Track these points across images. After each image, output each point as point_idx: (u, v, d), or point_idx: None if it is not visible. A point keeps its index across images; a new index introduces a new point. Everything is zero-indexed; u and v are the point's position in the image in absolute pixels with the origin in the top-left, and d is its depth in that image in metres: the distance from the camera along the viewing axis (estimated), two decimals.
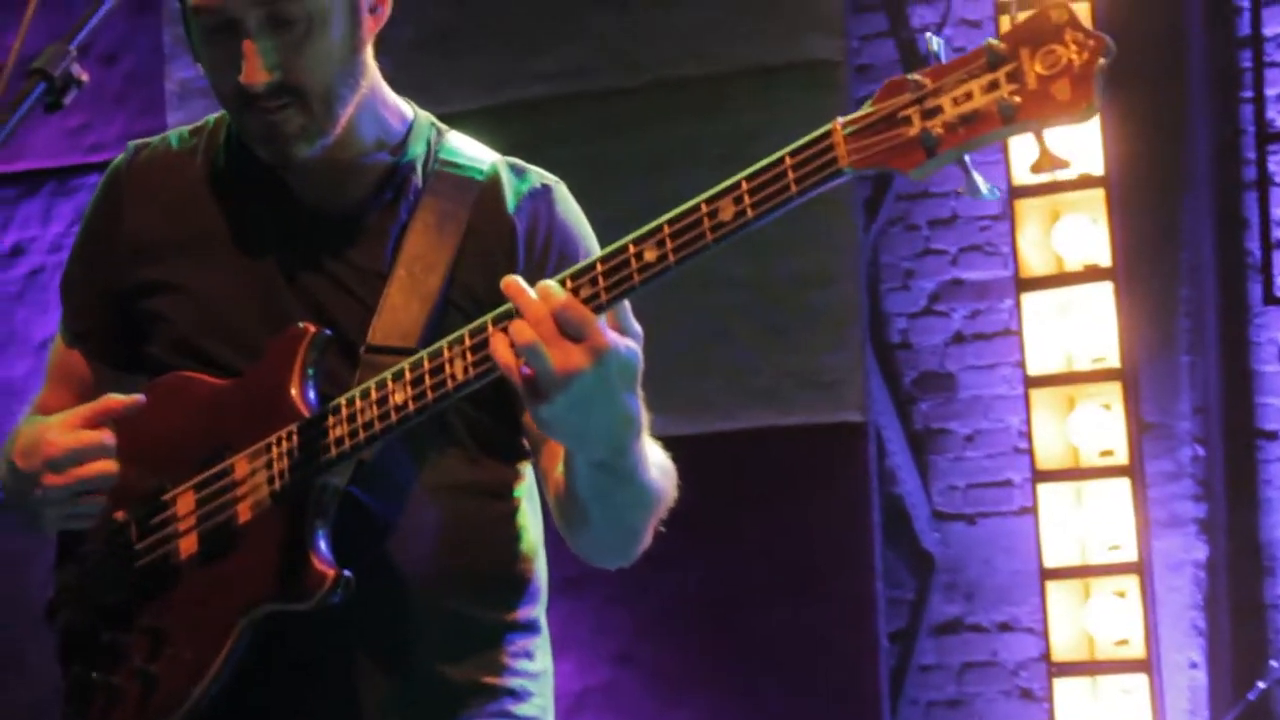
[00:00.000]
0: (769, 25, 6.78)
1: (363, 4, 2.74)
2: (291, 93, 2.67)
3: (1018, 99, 2.16)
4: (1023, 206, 6.49)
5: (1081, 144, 6.33)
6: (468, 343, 2.45)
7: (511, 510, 2.79)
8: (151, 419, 2.73)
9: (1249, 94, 6.59)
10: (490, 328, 2.42)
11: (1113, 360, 6.34)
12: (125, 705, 2.69)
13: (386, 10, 2.80)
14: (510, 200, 2.78)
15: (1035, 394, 6.43)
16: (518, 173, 2.82)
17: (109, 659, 2.73)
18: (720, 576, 6.65)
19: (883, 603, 6.63)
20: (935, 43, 2.26)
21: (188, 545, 2.69)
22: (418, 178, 2.80)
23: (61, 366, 2.96)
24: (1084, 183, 6.40)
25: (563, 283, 2.37)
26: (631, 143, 6.59)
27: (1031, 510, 6.46)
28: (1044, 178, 6.32)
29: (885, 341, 6.98)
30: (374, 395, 2.54)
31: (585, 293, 2.36)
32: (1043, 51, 2.15)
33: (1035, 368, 6.45)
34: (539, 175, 2.85)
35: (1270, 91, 6.58)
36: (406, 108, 2.88)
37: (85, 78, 2.43)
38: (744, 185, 2.31)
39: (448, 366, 2.47)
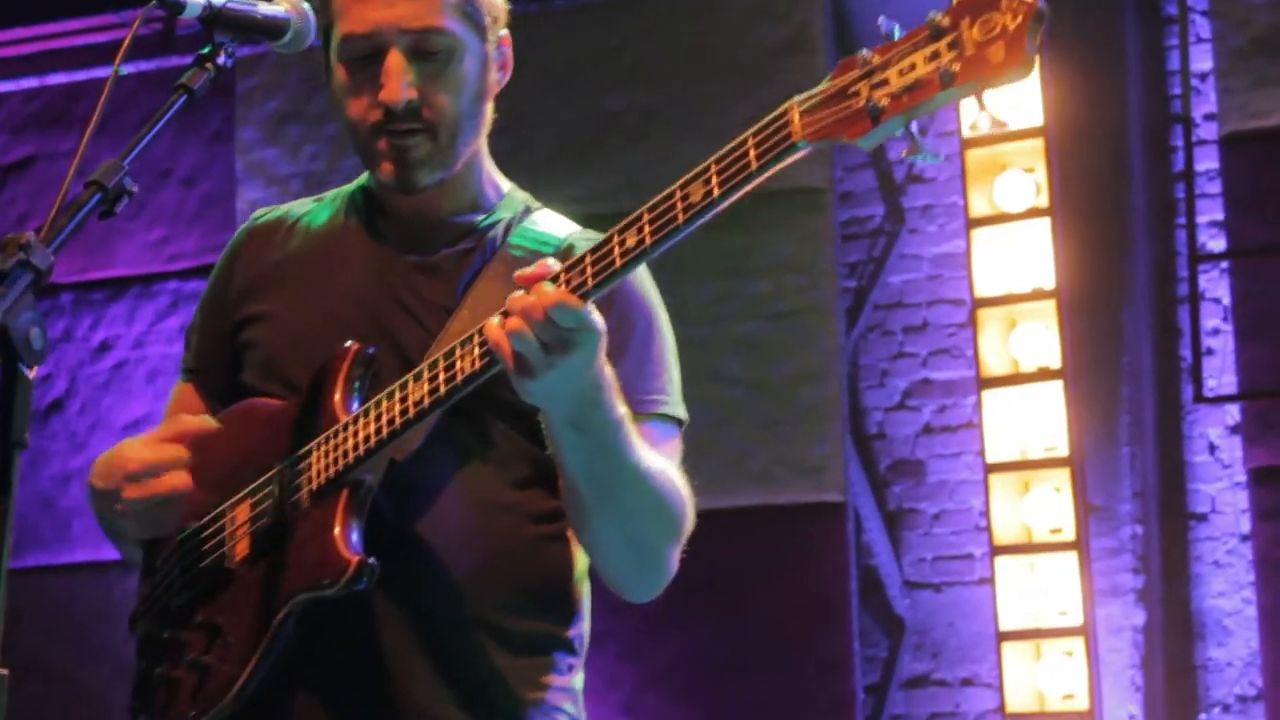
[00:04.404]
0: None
1: (492, 59, 2.76)
2: (423, 120, 2.67)
3: (956, 66, 2.10)
4: (984, 315, 6.61)
5: (1036, 262, 6.53)
6: (476, 340, 2.44)
7: (553, 534, 2.71)
8: (222, 442, 2.74)
9: (1182, 221, 6.72)
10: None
11: (1062, 450, 6.46)
12: (181, 695, 2.66)
13: (507, 75, 2.81)
14: None
15: (994, 479, 6.55)
16: (589, 237, 2.74)
17: (170, 655, 2.70)
18: (718, 635, 6.73)
19: (859, 660, 6.74)
20: (891, 26, 2.20)
21: (241, 549, 2.66)
22: (498, 237, 2.77)
23: (176, 401, 2.95)
24: (1038, 295, 6.54)
25: (557, 276, 2.35)
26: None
27: (990, 580, 6.55)
28: (1001, 290, 6.57)
29: (863, 433, 7.05)
30: (398, 395, 2.53)
31: (574, 281, 2.34)
32: (981, 20, 2.10)
33: (994, 456, 6.56)
34: None
35: (1201, 219, 6.70)
36: (504, 182, 2.88)
37: (135, 190, 2.39)
38: (713, 167, 2.27)
39: (459, 362, 2.46)
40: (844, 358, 6.96)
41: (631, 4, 7.18)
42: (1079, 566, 6.43)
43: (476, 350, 2.45)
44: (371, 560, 2.52)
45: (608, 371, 2.44)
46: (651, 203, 2.33)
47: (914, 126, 2.18)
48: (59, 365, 7.87)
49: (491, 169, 2.87)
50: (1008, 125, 2.04)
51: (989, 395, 6.65)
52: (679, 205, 2.29)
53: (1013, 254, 6.69)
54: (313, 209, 2.94)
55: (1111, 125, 6.87)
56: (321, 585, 2.53)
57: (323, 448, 2.60)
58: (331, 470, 2.59)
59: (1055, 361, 6.56)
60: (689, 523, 2.66)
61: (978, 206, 6.74)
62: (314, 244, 2.88)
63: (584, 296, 2.34)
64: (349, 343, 2.68)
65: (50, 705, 7.38)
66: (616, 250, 2.34)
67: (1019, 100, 6.63)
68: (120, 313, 7.93)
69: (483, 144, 2.82)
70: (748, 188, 2.25)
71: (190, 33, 7.61)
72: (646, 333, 2.75)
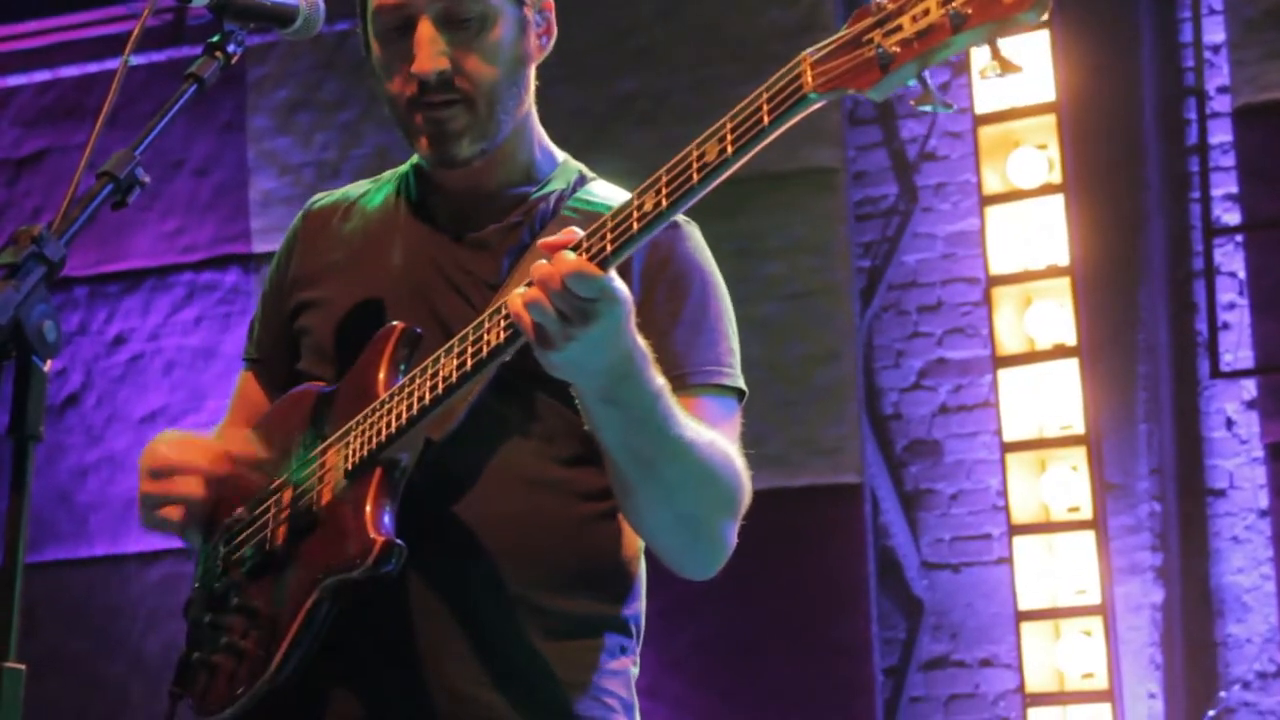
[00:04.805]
0: (778, 138, 7.06)
1: (531, 23, 2.70)
2: (458, 90, 2.62)
3: (969, 8, 2.01)
4: (998, 294, 6.62)
5: (1050, 238, 6.53)
6: (503, 312, 2.37)
7: (604, 512, 2.64)
8: (274, 428, 2.74)
9: (1197, 195, 6.73)
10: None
11: (1079, 428, 6.46)
12: (220, 678, 2.63)
13: (550, 41, 2.76)
14: None
15: (1011, 458, 6.55)
16: None
17: (211, 639, 2.66)
18: (738, 619, 6.71)
19: (878, 642, 6.75)
20: None
21: (282, 532, 2.61)
22: (549, 208, 2.71)
23: (239, 393, 2.94)
24: (1052, 272, 6.55)
25: (579, 244, 2.29)
26: None
27: (1008, 560, 6.56)
28: (1015, 268, 6.57)
29: (879, 413, 7.07)
30: (429, 370, 2.48)
31: (594, 248, 2.28)
32: None
33: (1011, 435, 6.56)
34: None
35: (1216, 192, 6.72)
36: (559, 153, 2.82)
37: (147, 180, 2.37)
38: (727, 125, 2.21)
39: (486, 335, 2.40)
40: (859, 338, 6.97)
41: None
42: (1097, 545, 6.42)
43: (501, 323, 2.39)
44: (399, 541, 2.46)
45: (640, 343, 2.37)
46: (669, 164, 2.27)
47: (928, 75, 2.10)
48: (75, 359, 7.88)
49: (544, 138, 2.80)
50: (1022, 69, 1.87)
51: (1005, 374, 6.64)
52: (694, 165, 2.23)
53: (1027, 231, 6.69)
54: (369, 190, 2.90)
55: (1124, 99, 6.87)
56: (349, 567, 2.48)
57: (360, 427, 2.55)
58: (365, 450, 2.53)
59: (1071, 339, 6.55)
60: (745, 495, 2.59)
61: (991, 184, 6.74)
62: (366, 226, 2.83)
63: (603, 264, 2.27)
64: (394, 322, 2.63)
65: (68, 699, 7.40)
66: (635, 215, 2.27)
67: (1031, 77, 6.64)
68: (135, 305, 7.94)
69: (532, 114, 2.76)
70: (762, 143, 2.19)
71: (200, 23, 7.63)
72: (701, 300, 2.69)
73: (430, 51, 2.61)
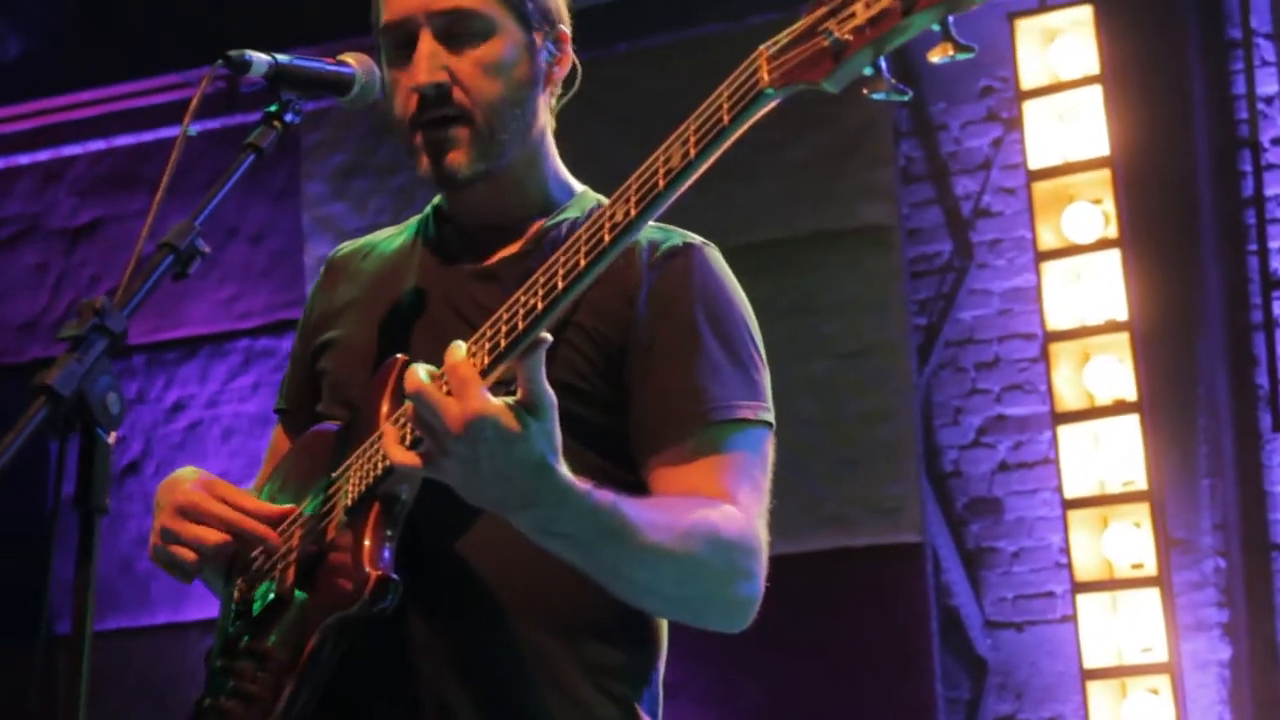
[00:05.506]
0: (831, 195, 6.95)
1: (539, 49, 2.66)
2: (456, 104, 2.59)
3: None
4: (1056, 350, 6.55)
5: (1107, 293, 6.50)
6: (487, 347, 2.24)
7: None
8: (290, 472, 2.71)
9: (1254, 247, 6.69)
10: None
11: (1141, 483, 6.39)
12: None
13: (563, 69, 2.71)
14: (646, 256, 2.59)
15: (1073, 515, 6.47)
16: (663, 233, 2.63)
17: (222, 684, 2.62)
18: (799, 682, 6.67)
19: (942, 703, 6.70)
20: None
21: (291, 573, 2.55)
22: (560, 236, 2.64)
23: (271, 445, 2.92)
24: (1110, 327, 6.49)
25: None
26: None
27: (1072, 618, 6.47)
28: (1073, 323, 6.52)
29: (939, 471, 7.02)
30: None
31: (560, 269, 2.19)
32: None
33: (1072, 491, 6.49)
34: (683, 235, 2.64)
35: (1273, 244, 6.70)
36: (576, 184, 2.77)
37: (208, 251, 2.38)
38: (690, 128, 2.13)
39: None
40: (917, 396, 6.95)
41: (688, 47, 7.16)
42: (1162, 602, 6.35)
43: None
44: (394, 576, 2.39)
45: (558, 462, 2.21)
46: (637, 172, 2.19)
47: (883, 63, 2.00)
48: (134, 427, 7.91)
49: (561, 170, 2.76)
50: (975, 49, 1.74)
51: (1064, 430, 6.58)
52: (660, 171, 2.14)
53: (1083, 286, 6.66)
54: (391, 235, 2.88)
55: (1178, 152, 6.84)
56: (347, 604, 2.41)
57: (360, 462, 2.48)
58: (363, 484, 2.46)
59: (1130, 394, 6.50)
60: (752, 558, 2.45)
61: (1046, 239, 6.72)
62: (382, 266, 2.80)
63: (534, 323, 2.18)
64: (397, 355, 2.56)
65: None
66: (606, 228, 2.18)
67: (1085, 131, 6.66)
68: (193, 372, 7.98)
69: (547, 143, 2.73)
70: (725, 143, 2.11)
71: (254, 90, 7.68)
72: (719, 327, 2.58)
73: (428, 65, 2.59)
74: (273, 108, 2.56)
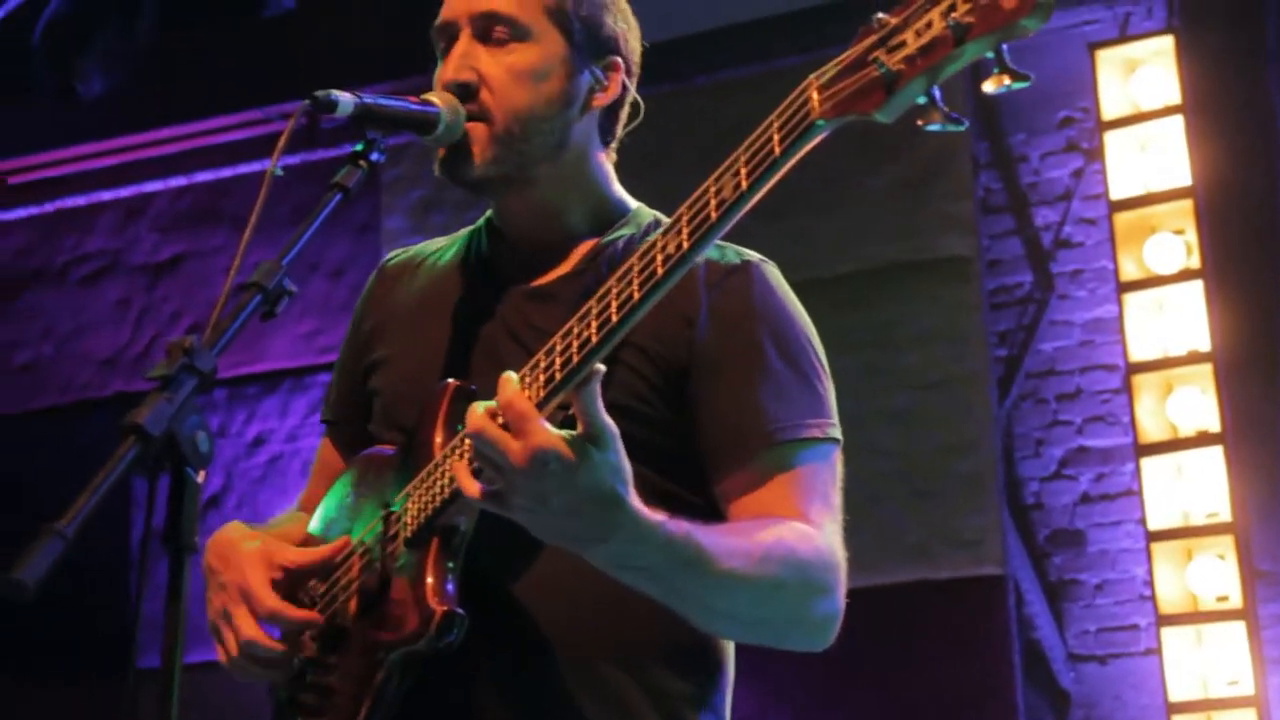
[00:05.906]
0: (910, 227, 6.94)
1: (582, 71, 2.64)
2: (481, 104, 2.58)
3: (970, 17, 1.87)
4: (1139, 381, 6.54)
5: (1190, 324, 6.48)
6: (541, 379, 2.22)
7: None
8: (343, 496, 2.69)
9: None
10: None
11: (1225, 515, 6.34)
12: None
13: (608, 96, 2.68)
14: (706, 275, 2.55)
15: (1156, 547, 6.43)
16: (721, 251, 2.58)
17: (287, 717, 2.61)
18: (880, 715, 6.64)
19: None
20: None
21: (353, 605, 2.53)
22: (617, 253, 2.62)
23: (319, 458, 2.93)
24: (1193, 358, 6.48)
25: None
26: None
27: (1156, 651, 6.42)
28: (1155, 354, 6.49)
29: (1020, 503, 6.99)
30: None
31: (614, 300, 2.16)
32: None
33: (1155, 523, 6.45)
34: (740, 253, 2.60)
35: None
36: (631, 202, 2.74)
37: (295, 290, 2.36)
38: (741, 158, 2.09)
39: (528, 392, 2.22)
40: (998, 427, 6.91)
41: (763, 81, 7.15)
42: (1248, 634, 6.29)
43: (541, 393, 2.23)
44: (459, 611, 2.37)
45: (629, 493, 2.17)
46: (689, 202, 2.16)
47: (936, 93, 1.95)
48: (215, 461, 7.69)
49: (616, 188, 2.73)
50: (1032, 78, 1.69)
51: (1147, 462, 6.56)
52: (712, 203, 2.10)
53: (1166, 317, 6.63)
54: (441, 247, 2.86)
55: (1260, 181, 6.80)
56: (412, 639, 2.39)
57: (418, 492, 2.45)
58: (422, 516, 2.43)
59: (1214, 425, 6.47)
60: (832, 574, 2.42)
61: (1128, 270, 6.69)
62: (433, 282, 2.78)
63: (589, 356, 2.16)
64: (448, 380, 2.53)
65: None
66: (659, 258, 2.15)
67: (1167, 161, 6.62)
68: (273, 407, 8.03)
69: (592, 168, 2.70)
70: (777, 175, 2.07)
71: (334, 125, 7.73)
72: (781, 346, 2.55)
73: (458, 63, 2.60)
74: (358, 147, 2.56)
